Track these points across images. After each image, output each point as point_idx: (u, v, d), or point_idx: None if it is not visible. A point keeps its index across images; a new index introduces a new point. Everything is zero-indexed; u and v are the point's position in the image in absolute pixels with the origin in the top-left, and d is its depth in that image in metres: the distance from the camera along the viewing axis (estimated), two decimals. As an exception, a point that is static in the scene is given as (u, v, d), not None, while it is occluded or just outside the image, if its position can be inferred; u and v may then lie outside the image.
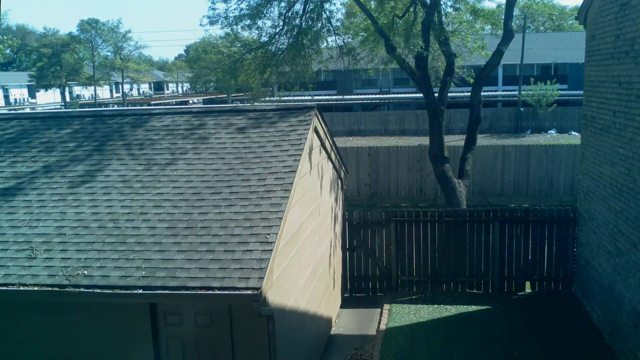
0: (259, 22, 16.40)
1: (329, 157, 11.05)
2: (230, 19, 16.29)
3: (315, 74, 18.31)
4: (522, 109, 44.23)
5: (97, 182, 8.30)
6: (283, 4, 16.27)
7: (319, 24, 16.20)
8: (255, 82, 18.74)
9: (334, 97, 53.89)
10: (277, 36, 16.56)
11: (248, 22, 16.22)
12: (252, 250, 6.80)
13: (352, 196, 20.57)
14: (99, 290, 6.53)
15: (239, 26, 16.45)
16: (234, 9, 16.34)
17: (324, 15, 16.23)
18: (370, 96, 53.84)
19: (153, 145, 9.01)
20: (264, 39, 17.00)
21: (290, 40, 16.19)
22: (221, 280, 6.47)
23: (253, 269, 6.55)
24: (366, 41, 17.15)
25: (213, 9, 19.98)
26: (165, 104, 61.75)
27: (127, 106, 57.52)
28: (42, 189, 8.27)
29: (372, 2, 16.93)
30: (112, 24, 66.94)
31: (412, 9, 15.55)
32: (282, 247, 7.28)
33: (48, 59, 62.69)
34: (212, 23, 16.62)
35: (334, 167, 11.65)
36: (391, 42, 14.96)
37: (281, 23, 16.40)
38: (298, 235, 8.51)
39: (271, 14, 16.51)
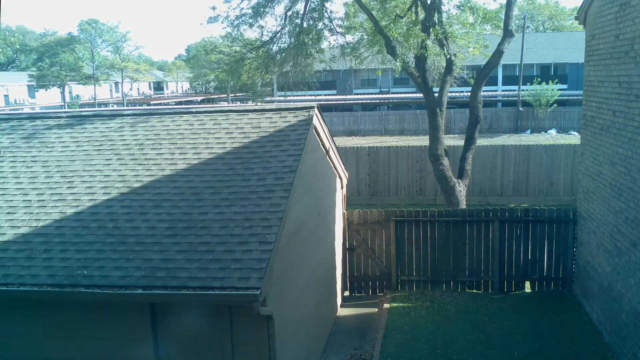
0: (260, 22, 16.44)
1: (329, 157, 11.05)
2: (231, 18, 16.32)
3: (318, 74, 18.35)
4: (521, 109, 44.27)
5: (97, 182, 8.31)
6: (284, 3, 16.31)
7: (320, 24, 16.22)
8: (256, 81, 18.78)
9: (334, 97, 53.91)
10: (278, 35, 16.58)
11: (250, 20, 16.25)
12: (251, 250, 6.81)
13: (352, 196, 20.57)
14: (98, 290, 6.54)
15: (238, 24, 16.46)
16: (234, 8, 16.37)
17: (325, 15, 16.25)
18: (370, 96, 53.85)
19: (153, 146, 9.02)
20: (265, 38, 17.04)
21: (292, 39, 16.21)
22: (221, 280, 6.48)
23: (253, 269, 6.56)
24: (371, 42, 17.15)
25: (213, 8, 20.01)
26: (165, 104, 61.77)
27: (127, 106, 57.55)
28: (42, 189, 8.27)
29: (372, 2, 16.92)
30: (112, 25, 67.07)
31: (413, 9, 15.56)
32: (281, 247, 7.28)
33: (48, 58, 62.74)
34: (210, 22, 16.69)
35: (334, 166, 11.65)
36: (392, 42, 14.96)
37: (282, 22, 16.42)
38: (298, 235, 8.52)
39: (273, 13, 16.57)
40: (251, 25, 16.54)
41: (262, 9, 16.01)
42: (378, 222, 12.80)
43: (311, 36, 15.98)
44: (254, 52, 17.11)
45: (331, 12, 16.99)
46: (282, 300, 7.48)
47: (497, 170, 20.87)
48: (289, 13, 16.27)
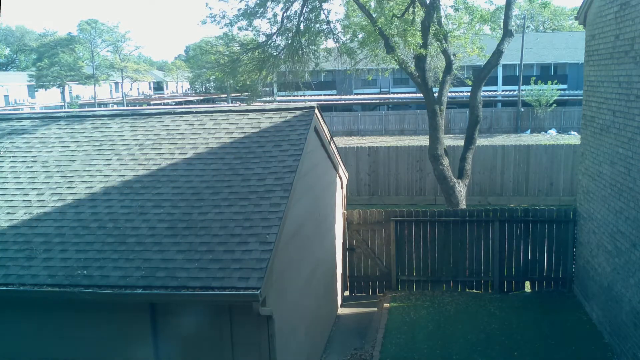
0: (256, 22, 16.49)
1: (329, 157, 11.05)
2: (228, 16, 16.36)
3: (318, 74, 18.41)
4: (521, 109, 44.29)
5: (97, 182, 8.31)
6: (281, 4, 16.29)
7: (317, 25, 16.21)
8: (255, 81, 18.78)
9: (333, 97, 53.92)
10: (274, 36, 16.58)
11: (245, 22, 16.26)
12: (251, 250, 6.80)
13: (352, 196, 20.57)
14: (98, 290, 6.54)
15: (235, 26, 16.49)
16: (232, 9, 16.42)
17: (323, 16, 16.25)
18: (369, 96, 53.87)
19: (153, 146, 9.01)
20: (262, 39, 17.05)
21: (289, 40, 16.22)
22: (221, 280, 6.48)
23: (253, 269, 6.56)
24: (367, 41, 17.14)
25: (210, 8, 20.00)
26: (165, 104, 61.77)
27: (127, 106, 57.57)
28: (42, 189, 8.27)
29: (371, 3, 16.92)
30: (111, 25, 67.10)
31: (411, 9, 15.55)
32: (281, 247, 7.28)
33: (47, 58, 62.76)
34: (206, 22, 16.79)
35: (334, 166, 11.65)
36: (390, 42, 14.95)
37: (279, 23, 16.41)
38: (298, 235, 8.51)
39: (268, 14, 16.55)
40: (248, 27, 16.56)
41: (257, 10, 16.00)
42: (378, 222, 12.80)
43: (307, 37, 15.99)
44: (250, 53, 17.11)
45: (328, 12, 17.03)
46: (282, 300, 7.48)
47: (497, 170, 20.88)
48: (286, 14, 16.27)
